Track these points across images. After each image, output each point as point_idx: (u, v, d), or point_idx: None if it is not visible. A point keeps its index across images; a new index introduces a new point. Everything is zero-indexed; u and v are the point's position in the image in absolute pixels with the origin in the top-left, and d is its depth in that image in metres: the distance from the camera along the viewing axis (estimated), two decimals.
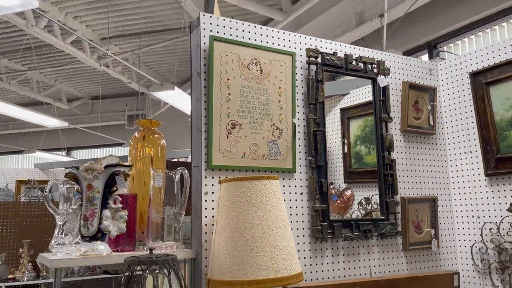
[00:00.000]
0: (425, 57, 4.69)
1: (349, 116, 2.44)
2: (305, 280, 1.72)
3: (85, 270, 3.39)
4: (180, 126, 7.20)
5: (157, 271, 1.29)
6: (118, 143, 9.02)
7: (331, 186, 2.07)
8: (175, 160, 5.04)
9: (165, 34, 6.12)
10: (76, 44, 5.94)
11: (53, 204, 1.59)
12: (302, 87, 1.86)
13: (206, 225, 1.58)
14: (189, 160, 1.81)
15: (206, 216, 1.59)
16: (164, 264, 1.26)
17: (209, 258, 1.48)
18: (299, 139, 1.82)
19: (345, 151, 2.45)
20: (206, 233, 1.57)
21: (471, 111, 2.11)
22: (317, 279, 1.76)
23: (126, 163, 1.56)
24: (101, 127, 8.43)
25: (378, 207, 2.07)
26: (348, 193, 2.34)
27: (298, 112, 1.83)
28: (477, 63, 2.11)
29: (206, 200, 1.60)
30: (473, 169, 2.10)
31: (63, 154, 9.61)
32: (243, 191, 1.42)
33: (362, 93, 2.40)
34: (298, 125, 1.83)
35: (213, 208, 1.60)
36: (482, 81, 2.07)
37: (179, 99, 4.90)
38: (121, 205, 1.51)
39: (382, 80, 2.01)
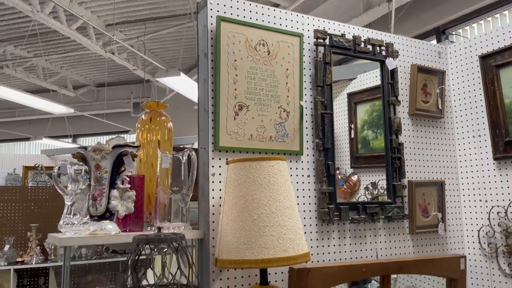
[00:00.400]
0: (433, 43, 4.64)
1: (356, 101, 2.43)
2: (312, 262, 1.72)
3: (92, 254, 3.43)
4: (186, 113, 7.20)
5: (166, 249, 1.30)
6: (124, 130, 9.05)
7: (337, 172, 2.07)
8: (181, 146, 5.05)
9: (170, 21, 6.08)
10: (82, 30, 5.93)
11: (61, 185, 1.60)
12: (310, 69, 1.85)
13: (213, 206, 1.58)
14: (195, 146, 1.81)
15: (213, 197, 1.59)
16: (172, 242, 1.26)
17: (217, 238, 1.49)
18: (306, 121, 1.81)
19: (352, 136, 2.44)
20: (213, 213, 1.58)
21: (480, 94, 2.09)
22: (323, 260, 1.76)
23: (133, 144, 1.56)
24: (106, 115, 8.45)
25: (385, 192, 2.07)
26: (355, 178, 2.34)
27: (305, 95, 1.82)
28: (487, 45, 2.08)
29: (213, 181, 1.60)
30: (481, 153, 2.09)
31: (69, 141, 9.65)
32: (251, 171, 1.42)
33: (370, 78, 2.38)
34: (306, 108, 1.82)
35: (220, 189, 1.60)
36: (491, 64, 2.04)
37: (184, 86, 4.89)
38: (129, 186, 1.52)
39: (390, 63, 1.99)
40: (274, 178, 1.42)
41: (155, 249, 1.29)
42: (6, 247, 3.36)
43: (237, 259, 1.35)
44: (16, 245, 3.51)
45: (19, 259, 3.39)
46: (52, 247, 3.42)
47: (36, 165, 4.00)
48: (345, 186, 2.31)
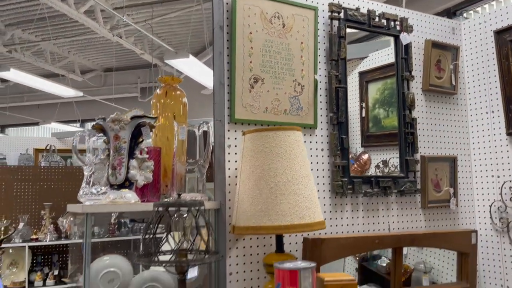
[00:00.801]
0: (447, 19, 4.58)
1: (368, 79, 2.42)
2: (325, 233, 1.75)
3: (104, 233, 3.49)
4: (193, 98, 7.20)
5: (185, 215, 1.32)
6: None
7: None
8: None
9: (178, 4, 6.05)
10: (89, 14, 5.92)
11: (80, 155, 1.63)
12: (324, 43, 1.85)
13: (229, 177, 1.61)
14: (204, 129, 1.83)
15: (229, 168, 1.61)
16: (192, 207, 1.29)
17: (233, 207, 1.52)
18: (320, 95, 1.82)
19: (363, 115, 2.44)
20: (229, 184, 1.60)
21: (494, 70, 2.08)
22: (336, 232, 1.79)
23: (151, 115, 1.58)
24: (114, 99, 8.49)
25: (396, 170, 2.08)
26: (365, 156, 2.35)
27: (319, 69, 1.83)
28: (502, 20, 2.07)
29: (229, 153, 1.62)
30: (494, 128, 2.09)
31: (77, 126, 9.72)
32: (267, 141, 1.43)
33: (382, 56, 2.38)
34: (320, 82, 1.82)
35: (236, 161, 1.63)
36: (506, 39, 2.03)
37: (193, 68, 4.90)
38: (147, 156, 1.54)
39: (405, 38, 1.98)
40: (290, 148, 1.44)
41: (175, 214, 1.32)
42: (21, 225, 3.43)
43: (254, 226, 1.38)
44: (30, 223, 3.58)
45: (34, 237, 3.47)
46: (66, 225, 3.48)
47: (48, 146, 4.05)
48: (355, 165, 2.32)
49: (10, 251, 3.46)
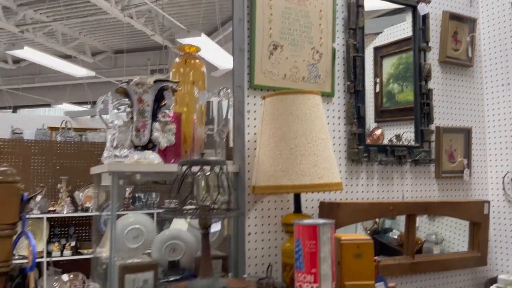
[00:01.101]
0: None
1: (383, 54, 2.43)
2: (340, 199, 1.79)
3: (119, 207, 3.56)
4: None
5: (209, 173, 1.37)
6: None
7: None
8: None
9: None
10: None
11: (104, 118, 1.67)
12: (343, 11, 1.86)
13: (248, 141, 1.65)
14: (223, 95, 1.87)
15: (248, 133, 1.65)
16: (216, 165, 1.33)
17: (254, 168, 1.56)
18: (338, 64, 1.84)
19: (377, 90, 2.46)
20: (248, 148, 1.64)
21: (511, 42, 2.08)
22: (351, 199, 1.83)
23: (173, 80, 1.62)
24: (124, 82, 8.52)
25: (409, 143, 2.10)
26: (378, 132, 2.37)
27: (338, 37, 1.85)
28: None
29: (248, 118, 1.66)
30: (509, 101, 2.10)
31: (89, 107, 9.81)
32: (288, 104, 1.47)
33: (397, 31, 2.38)
34: (338, 50, 1.84)
35: (254, 126, 1.66)
36: None
37: (205, 47, 4.91)
38: (170, 119, 1.59)
39: (422, 8, 1.99)
40: (310, 111, 1.47)
41: (199, 172, 1.36)
42: (38, 198, 3.52)
43: (274, 185, 1.42)
44: (47, 196, 3.66)
45: (51, 209, 3.56)
46: (82, 198, 3.56)
47: (63, 123, 4.12)
48: (368, 140, 2.35)
49: (29, 222, 3.56)
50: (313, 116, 1.47)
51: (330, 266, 1.24)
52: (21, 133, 3.79)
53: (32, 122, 4.09)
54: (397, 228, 2.31)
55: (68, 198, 3.54)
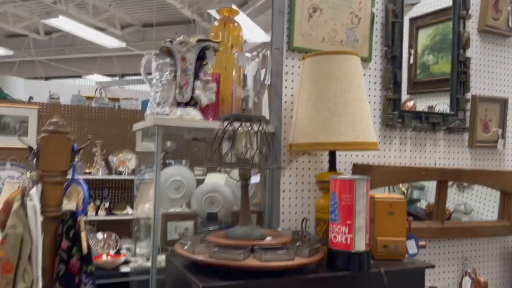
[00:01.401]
0: None
1: (418, 25, 2.40)
2: (373, 163, 1.83)
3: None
4: None
5: (249, 128, 1.43)
6: None
7: None
8: None
9: None
10: None
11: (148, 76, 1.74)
12: None
13: (285, 102, 1.69)
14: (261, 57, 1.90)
15: (285, 95, 1.70)
16: (257, 121, 1.39)
17: (290, 128, 1.61)
18: (376, 29, 1.85)
19: (411, 61, 2.44)
20: (285, 109, 1.69)
21: None
22: (383, 163, 1.86)
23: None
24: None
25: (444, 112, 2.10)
26: (411, 103, 2.37)
27: (377, 2, 1.85)
28: None
29: (286, 80, 1.70)
30: None
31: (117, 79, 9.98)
32: (327, 64, 1.50)
33: (434, 1, 2.34)
34: (377, 16, 1.85)
35: (292, 88, 1.70)
36: None
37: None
38: (211, 78, 1.64)
39: None
40: (349, 72, 1.50)
41: (239, 128, 1.42)
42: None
43: (312, 142, 1.47)
44: (83, 159, 3.83)
45: (87, 170, 3.72)
46: (116, 161, 3.71)
47: (98, 90, 4.25)
48: None
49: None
50: (352, 77, 1.50)
51: (364, 220, 1.30)
52: (58, 98, 3.94)
53: (67, 89, 4.23)
54: (424, 198, 2.33)
55: (103, 162, 3.69)
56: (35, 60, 10.05)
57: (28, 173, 1.61)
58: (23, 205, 1.43)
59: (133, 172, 3.76)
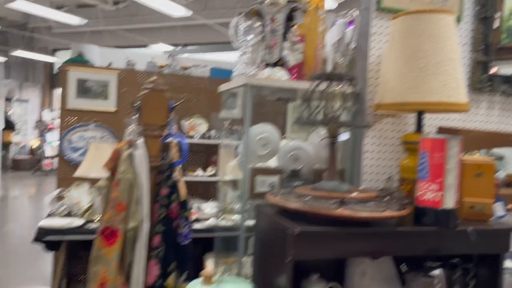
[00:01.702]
0: None
1: None
2: (458, 127, 1.80)
3: (221, 136, 3.85)
4: None
5: (339, 87, 1.46)
6: (228, 42, 9.32)
7: None
8: None
9: None
10: None
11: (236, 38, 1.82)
12: None
13: (371, 62, 1.70)
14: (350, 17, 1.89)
15: (372, 55, 1.70)
16: (347, 78, 1.42)
17: (378, 88, 1.62)
18: None
19: (496, 26, 2.32)
20: (371, 70, 1.70)
21: None
22: (470, 127, 1.83)
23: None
24: (215, 24, 8.72)
25: None
26: (494, 70, 2.27)
27: None
28: None
29: (373, 40, 1.70)
30: None
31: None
32: (420, 23, 1.48)
33: None
34: None
35: (379, 48, 1.70)
36: None
37: None
38: (299, 39, 1.68)
39: None
40: (442, 31, 1.47)
41: (329, 86, 1.46)
42: None
43: (401, 102, 1.48)
44: None
45: None
46: (188, 126, 3.89)
47: (169, 57, 4.43)
48: None
49: None
50: (444, 36, 1.47)
51: (455, 178, 1.31)
52: (134, 65, 4.16)
53: (138, 58, 4.44)
54: (504, 168, 2.26)
55: (175, 126, 3.88)
56: (102, 30, 10.54)
57: (131, 126, 1.77)
58: (131, 154, 1.59)
59: (203, 136, 3.93)
